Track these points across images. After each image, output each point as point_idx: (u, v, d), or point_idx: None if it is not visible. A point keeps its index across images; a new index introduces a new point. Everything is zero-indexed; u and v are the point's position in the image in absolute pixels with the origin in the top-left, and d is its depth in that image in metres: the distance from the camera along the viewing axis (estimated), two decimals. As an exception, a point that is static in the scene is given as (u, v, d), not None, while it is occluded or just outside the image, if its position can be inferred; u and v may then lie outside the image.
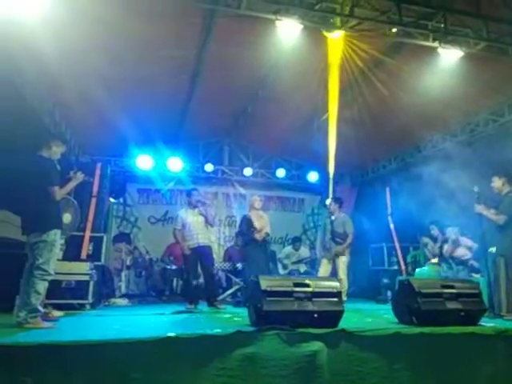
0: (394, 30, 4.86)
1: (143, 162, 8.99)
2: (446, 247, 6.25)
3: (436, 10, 4.86)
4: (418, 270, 6.96)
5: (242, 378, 2.68)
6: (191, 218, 5.80)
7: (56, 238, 3.67)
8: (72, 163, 6.32)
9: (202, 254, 5.68)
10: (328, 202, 6.86)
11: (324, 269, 6.13)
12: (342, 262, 5.96)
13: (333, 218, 6.28)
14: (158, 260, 8.40)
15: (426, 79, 5.65)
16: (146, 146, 8.82)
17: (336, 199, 6.54)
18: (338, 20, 4.70)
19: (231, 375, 2.67)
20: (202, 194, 10.05)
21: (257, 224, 6.12)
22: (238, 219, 10.03)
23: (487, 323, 3.70)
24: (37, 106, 6.03)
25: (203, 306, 5.53)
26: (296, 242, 8.79)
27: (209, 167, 9.59)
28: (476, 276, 5.52)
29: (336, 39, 4.97)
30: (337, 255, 6.01)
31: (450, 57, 5.10)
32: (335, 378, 2.86)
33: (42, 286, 3.54)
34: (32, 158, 3.85)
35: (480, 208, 4.79)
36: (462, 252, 6.08)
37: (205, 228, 5.85)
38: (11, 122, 4.75)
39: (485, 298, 4.13)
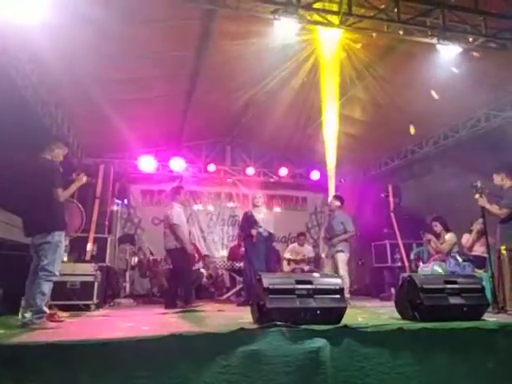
0: (392, 27, 4.87)
1: (146, 163, 9.03)
2: (466, 238, 6.12)
3: (434, 6, 4.86)
4: (421, 266, 6.95)
5: (246, 375, 2.70)
6: (183, 217, 5.71)
7: (60, 239, 3.72)
8: (75, 165, 6.38)
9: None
10: (329, 200, 6.88)
11: (329, 268, 6.16)
12: (340, 259, 5.98)
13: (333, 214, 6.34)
14: (162, 260, 8.43)
15: (425, 76, 5.66)
16: (149, 147, 8.86)
17: (336, 197, 6.56)
18: (336, 18, 4.70)
19: (234, 372, 2.68)
20: (205, 194, 10.17)
21: (259, 220, 6.13)
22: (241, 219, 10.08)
23: (490, 318, 3.70)
24: (39, 109, 6.08)
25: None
26: (301, 236, 8.79)
27: (211, 167, 9.63)
28: (479, 272, 5.51)
29: (335, 37, 4.99)
30: (336, 251, 6.04)
31: (448, 53, 5.10)
32: (338, 374, 2.87)
33: (47, 287, 3.57)
34: (35, 161, 3.89)
35: (482, 201, 4.77)
36: (480, 249, 5.91)
37: None
38: (14, 124, 4.80)
39: (488, 293, 4.13)
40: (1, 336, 2.92)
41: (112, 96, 6.32)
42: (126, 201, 9.46)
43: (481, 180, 4.92)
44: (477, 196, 4.76)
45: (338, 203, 6.39)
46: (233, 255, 8.33)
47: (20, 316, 3.62)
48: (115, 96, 6.39)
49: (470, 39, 5.02)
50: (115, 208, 8.57)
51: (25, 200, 3.86)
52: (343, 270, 5.89)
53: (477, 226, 5.90)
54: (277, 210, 10.40)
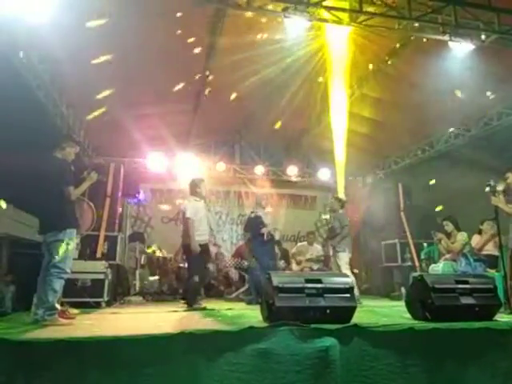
0: (404, 24, 4.82)
1: (155, 162, 9.07)
2: (476, 239, 6.08)
3: (446, 2, 4.80)
4: (432, 266, 6.88)
5: (255, 374, 2.70)
6: (203, 212, 5.54)
7: (72, 236, 3.75)
8: (86, 164, 6.43)
9: (206, 251, 5.51)
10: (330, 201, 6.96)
11: (335, 267, 6.21)
12: (341, 259, 6.03)
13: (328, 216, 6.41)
14: (172, 259, 8.47)
15: (436, 74, 5.59)
16: (158, 146, 8.89)
17: (336, 198, 6.60)
18: (346, 15, 4.67)
19: (244, 371, 2.68)
20: (214, 193, 10.17)
21: (266, 221, 6.22)
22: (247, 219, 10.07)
23: (503, 319, 3.65)
24: (51, 108, 6.14)
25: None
26: (310, 234, 8.75)
27: (220, 166, 9.63)
28: (491, 271, 5.44)
29: (345, 35, 4.95)
30: (336, 252, 6.09)
31: (460, 50, 5.04)
32: (348, 374, 2.86)
33: (59, 284, 3.61)
34: (47, 160, 3.93)
35: (496, 200, 4.71)
36: (491, 248, 5.86)
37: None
38: (27, 124, 4.85)
39: (500, 293, 4.08)
40: (13, 332, 2.96)
41: (122, 96, 6.34)
42: (136, 199, 9.52)
43: (494, 179, 4.86)
44: (492, 197, 4.70)
45: (338, 205, 6.42)
46: (239, 254, 8.30)
47: (32, 313, 3.66)
48: (125, 96, 6.41)
49: (483, 36, 4.95)
50: (125, 206, 8.63)
51: (38, 199, 3.90)
52: (345, 269, 5.90)
53: (488, 226, 5.84)
54: (286, 209, 10.39)
